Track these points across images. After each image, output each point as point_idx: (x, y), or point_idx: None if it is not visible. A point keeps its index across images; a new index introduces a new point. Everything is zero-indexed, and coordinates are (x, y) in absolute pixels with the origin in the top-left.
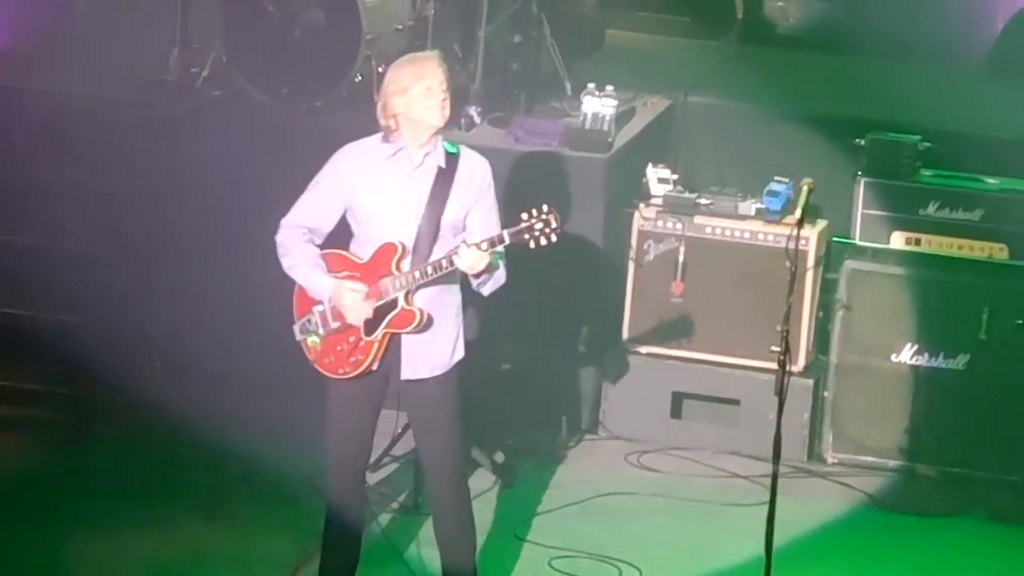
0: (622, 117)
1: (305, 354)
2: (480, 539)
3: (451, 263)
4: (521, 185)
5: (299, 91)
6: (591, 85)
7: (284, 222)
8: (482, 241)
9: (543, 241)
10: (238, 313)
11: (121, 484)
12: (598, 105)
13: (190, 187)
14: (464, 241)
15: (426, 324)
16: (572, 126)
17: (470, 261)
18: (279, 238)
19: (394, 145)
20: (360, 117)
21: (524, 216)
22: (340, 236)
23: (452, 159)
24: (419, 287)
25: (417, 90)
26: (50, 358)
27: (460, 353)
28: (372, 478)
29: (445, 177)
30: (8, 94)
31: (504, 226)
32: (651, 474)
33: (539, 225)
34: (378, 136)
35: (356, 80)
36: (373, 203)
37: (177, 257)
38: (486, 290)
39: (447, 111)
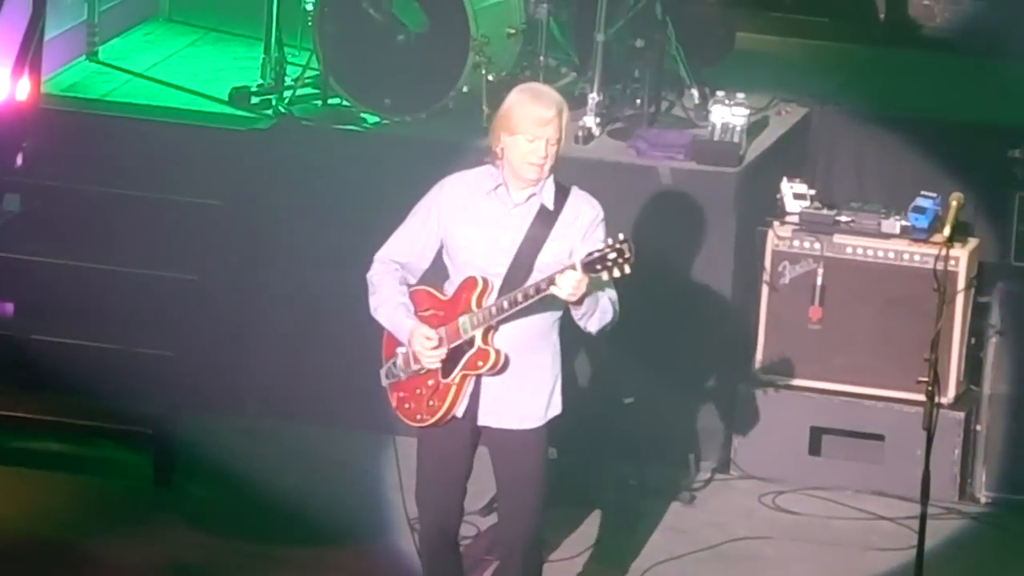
0: (754, 127)
1: (388, 400)
2: None
3: (527, 296)
4: (644, 202)
5: (402, 102)
6: (720, 93)
7: (377, 257)
8: (565, 268)
9: (616, 272)
10: (340, 350)
11: (211, 531)
12: (728, 114)
13: (282, 209)
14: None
15: (503, 365)
16: (699, 137)
17: (567, 284)
18: (370, 275)
19: (495, 179)
20: (468, 131)
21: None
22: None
23: (560, 199)
24: (500, 323)
25: (524, 140)
26: (132, 394)
27: (556, 409)
28: (485, 522)
29: (547, 216)
30: (80, 110)
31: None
32: (788, 516)
33: (612, 255)
34: (485, 167)
35: (463, 91)
36: (465, 238)
37: (271, 285)
38: (593, 325)
39: (546, 171)
